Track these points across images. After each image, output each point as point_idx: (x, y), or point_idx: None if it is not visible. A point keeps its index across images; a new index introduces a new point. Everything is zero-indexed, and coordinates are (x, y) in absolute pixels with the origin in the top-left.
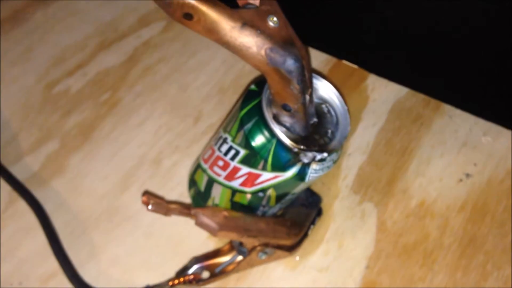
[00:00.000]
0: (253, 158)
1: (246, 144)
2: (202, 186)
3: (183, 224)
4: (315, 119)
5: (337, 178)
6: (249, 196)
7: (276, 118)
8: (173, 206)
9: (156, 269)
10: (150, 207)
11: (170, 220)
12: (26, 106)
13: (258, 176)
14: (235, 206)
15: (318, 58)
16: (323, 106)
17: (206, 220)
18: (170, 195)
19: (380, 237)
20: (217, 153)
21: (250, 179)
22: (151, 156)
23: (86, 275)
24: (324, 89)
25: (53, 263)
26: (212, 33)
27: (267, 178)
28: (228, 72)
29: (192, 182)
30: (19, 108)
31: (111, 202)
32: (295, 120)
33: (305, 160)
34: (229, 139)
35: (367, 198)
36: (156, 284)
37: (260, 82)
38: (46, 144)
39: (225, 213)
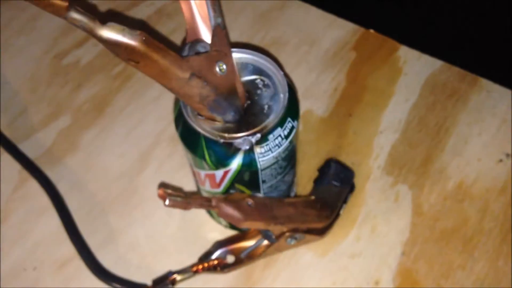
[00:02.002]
0: (196, 160)
1: (186, 148)
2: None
3: None
4: (247, 101)
5: (367, 158)
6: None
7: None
8: (192, 198)
9: (177, 254)
10: (167, 202)
11: None
12: (34, 79)
13: (213, 175)
14: None
15: (344, 28)
16: (258, 80)
17: (230, 210)
18: (190, 177)
19: (416, 221)
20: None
21: (211, 180)
22: (169, 133)
23: (104, 260)
24: (257, 61)
25: (68, 247)
26: (158, 78)
27: (221, 176)
28: (248, 40)
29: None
30: (27, 81)
31: (128, 182)
32: (221, 110)
33: (244, 147)
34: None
35: (400, 179)
36: (179, 270)
37: None
38: (56, 120)
39: (250, 200)
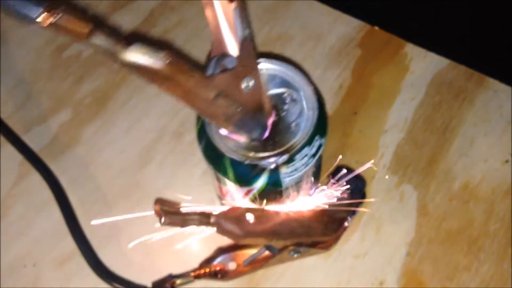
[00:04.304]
0: (219, 176)
1: (209, 163)
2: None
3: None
4: (273, 118)
5: (373, 157)
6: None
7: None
8: (190, 215)
9: (180, 252)
10: (163, 220)
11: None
12: (35, 71)
13: (234, 191)
14: None
15: (349, 24)
16: (285, 94)
17: (229, 226)
18: (193, 172)
19: (421, 221)
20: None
21: (234, 195)
22: (171, 128)
23: (105, 257)
24: (285, 73)
25: (69, 243)
26: (182, 99)
27: (243, 192)
28: (253, 36)
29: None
30: (27, 73)
31: (129, 177)
32: (247, 128)
33: (270, 167)
34: None
35: (406, 179)
36: (179, 274)
37: None
38: (57, 114)
39: (251, 215)
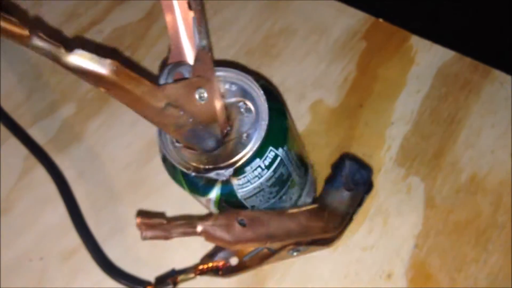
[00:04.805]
0: (178, 184)
1: (168, 173)
2: None
3: None
4: (228, 128)
5: (379, 149)
6: None
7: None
8: (174, 227)
9: (185, 246)
10: (145, 234)
11: None
12: (39, 65)
13: (199, 200)
14: None
15: (354, 17)
16: (240, 103)
17: (218, 233)
18: None
19: (428, 214)
20: None
21: (201, 202)
22: None
23: (110, 252)
24: (241, 81)
25: (75, 237)
26: (130, 106)
27: (204, 202)
28: (256, 32)
29: None
30: (31, 67)
31: (135, 172)
32: (198, 139)
33: (221, 178)
34: None
35: (413, 171)
36: (181, 270)
37: None
38: (61, 108)
39: (242, 218)
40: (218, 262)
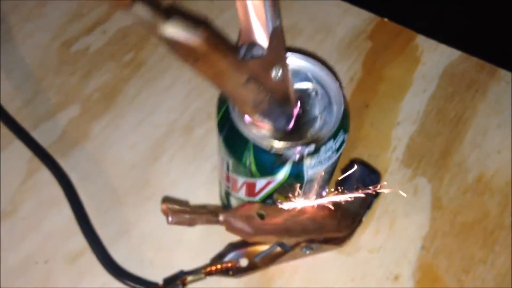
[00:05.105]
0: (239, 166)
1: (229, 153)
2: (225, 199)
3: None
4: (299, 109)
5: (385, 150)
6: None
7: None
8: (198, 214)
9: (191, 247)
10: (170, 219)
11: (207, 194)
12: (42, 66)
13: (254, 183)
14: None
15: (359, 16)
16: (310, 89)
17: (239, 225)
18: (203, 167)
19: (435, 215)
20: (220, 163)
21: (250, 188)
22: (181, 123)
23: (116, 254)
24: (311, 68)
25: (81, 240)
26: (214, 79)
27: (262, 185)
28: None
29: (221, 200)
30: (35, 68)
31: (140, 173)
32: (273, 117)
33: (295, 158)
34: (219, 148)
35: (419, 172)
36: (190, 271)
37: None
38: (66, 109)
39: (261, 212)
40: (228, 263)
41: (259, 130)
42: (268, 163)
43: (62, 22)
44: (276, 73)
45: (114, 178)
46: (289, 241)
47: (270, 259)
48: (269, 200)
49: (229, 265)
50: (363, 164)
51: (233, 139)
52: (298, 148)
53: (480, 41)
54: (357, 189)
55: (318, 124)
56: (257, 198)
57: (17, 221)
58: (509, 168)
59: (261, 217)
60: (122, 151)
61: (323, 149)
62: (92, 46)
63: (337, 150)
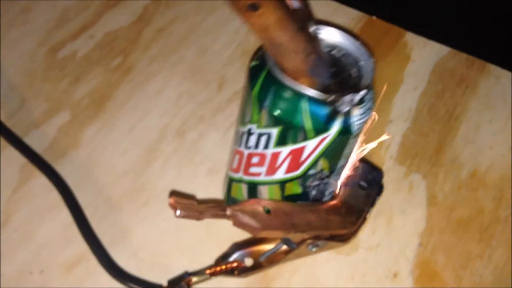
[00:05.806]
0: (289, 131)
1: (276, 121)
2: (245, 197)
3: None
4: (333, 68)
5: (379, 148)
6: (300, 180)
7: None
8: (205, 208)
9: (190, 251)
10: (178, 213)
11: (203, 198)
12: (30, 73)
13: (302, 150)
14: (289, 200)
15: (348, 15)
16: (334, 52)
17: (246, 219)
18: (198, 171)
19: (431, 211)
20: (246, 151)
21: (295, 159)
22: (173, 127)
23: (116, 259)
24: (328, 34)
25: (76, 248)
26: (268, 31)
27: (313, 147)
28: (251, 32)
29: (231, 201)
30: (22, 75)
31: (134, 179)
32: (320, 71)
33: (345, 108)
34: (254, 127)
35: (414, 169)
36: (195, 271)
37: (259, 55)
38: (55, 116)
39: (268, 207)
40: (233, 262)
41: (309, 85)
42: (323, 117)
43: (48, 28)
44: (314, 27)
45: (109, 185)
46: (295, 237)
47: (275, 257)
48: (312, 170)
49: (234, 265)
50: (365, 162)
51: (282, 101)
52: (352, 94)
53: (468, 36)
54: (360, 186)
55: (355, 76)
56: (301, 169)
57: (11, 231)
58: (502, 163)
59: (268, 212)
60: (114, 158)
61: (367, 98)
62: (79, 51)
63: (374, 101)
